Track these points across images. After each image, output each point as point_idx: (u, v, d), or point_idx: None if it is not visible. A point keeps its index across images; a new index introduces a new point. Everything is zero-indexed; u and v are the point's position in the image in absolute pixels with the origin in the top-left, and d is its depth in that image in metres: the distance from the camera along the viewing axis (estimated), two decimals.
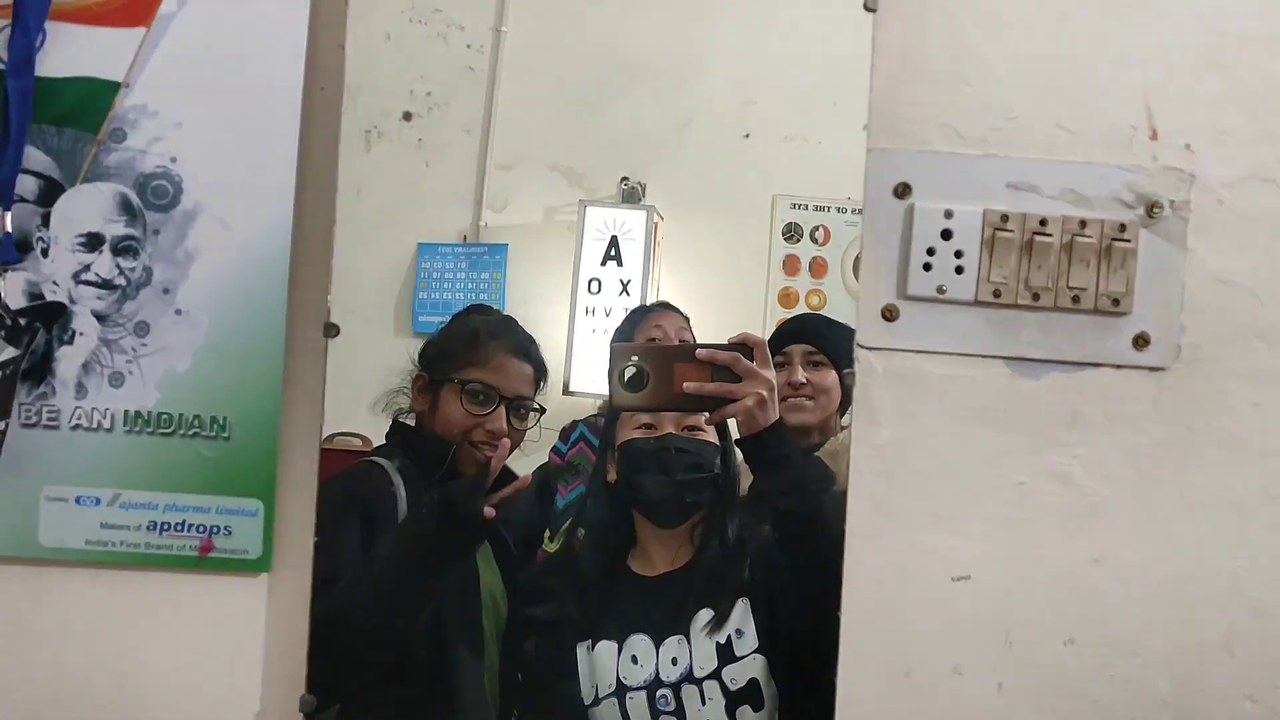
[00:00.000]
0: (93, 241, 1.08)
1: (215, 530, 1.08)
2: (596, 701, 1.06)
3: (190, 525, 1.08)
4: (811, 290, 1.17)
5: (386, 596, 1.07)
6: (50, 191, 1.07)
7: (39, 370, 1.07)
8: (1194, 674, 1.14)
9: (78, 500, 1.08)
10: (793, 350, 1.13)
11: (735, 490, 1.07)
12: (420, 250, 1.12)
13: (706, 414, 1.06)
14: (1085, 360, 1.14)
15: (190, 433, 1.08)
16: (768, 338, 1.16)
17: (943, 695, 1.13)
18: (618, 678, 1.05)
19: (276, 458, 1.09)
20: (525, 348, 1.09)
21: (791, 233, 1.16)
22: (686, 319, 1.14)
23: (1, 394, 1.05)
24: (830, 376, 1.13)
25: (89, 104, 1.07)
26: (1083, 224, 1.12)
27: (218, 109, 1.08)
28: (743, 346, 1.07)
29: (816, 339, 1.12)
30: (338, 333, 1.08)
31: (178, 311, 1.08)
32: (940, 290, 1.13)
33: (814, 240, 1.16)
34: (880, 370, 1.13)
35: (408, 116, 1.11)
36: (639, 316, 1.12)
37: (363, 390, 1.10)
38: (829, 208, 1.16)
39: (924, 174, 1.13)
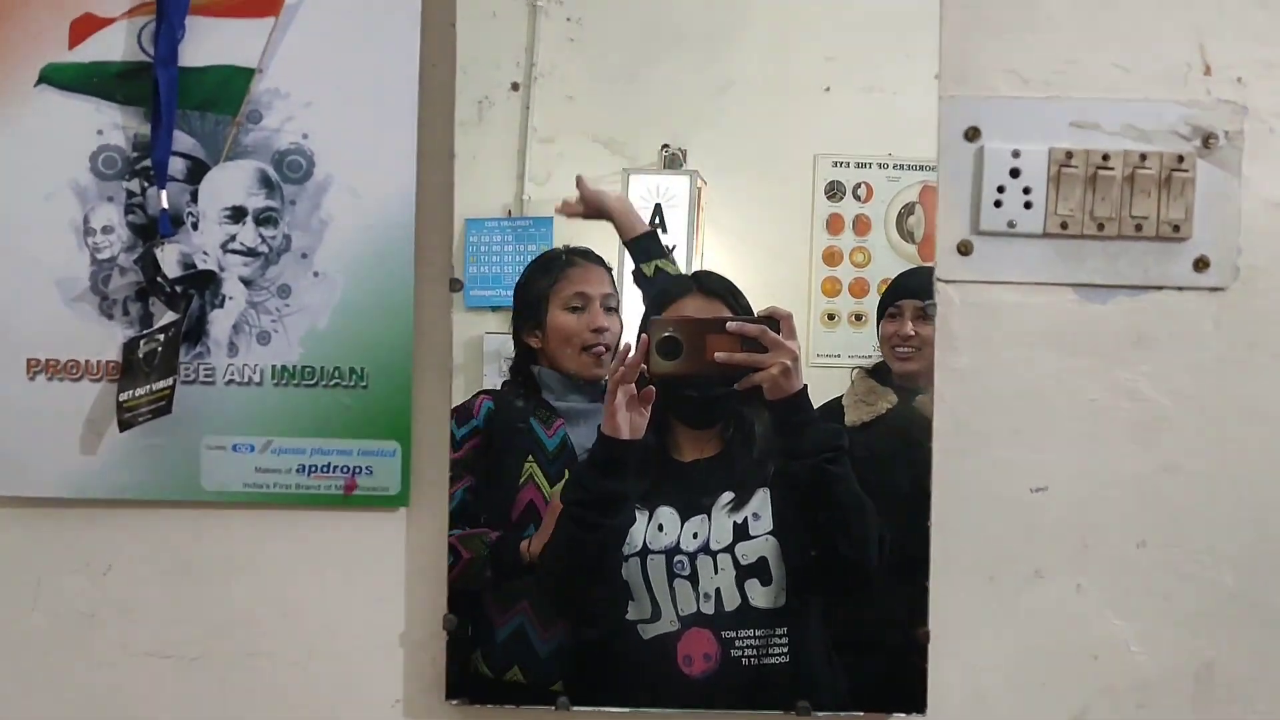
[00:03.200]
0: (237, 214, 1.23)
1: (358, 470, 1.25)
2: (625, 559, 1.22)
3: (335, 467, 1.25)
4: (855, 248, 1.25)
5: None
6: (196, 170, 1.23)
7: (195, 332, 1.23)
8: (1258, 569, 1.28)
9: (234, 448, 1.24)
10: (904, 305, 1.25)
11: (762, 398, 1.22)
12: (468, 226, 1.24)
13: (735, 383, 1.21)
14: (1149, 284, 1.27)
15: (332, 383, 1.24)
16: (881, 291, 1.28)
17: (1025, 597, 1.28)
18: (644, 541, 1.22)
19: (411, 402, 1.24)
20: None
21: (834, 191, 1.24)
22: (725, 295, 1.23)
23: (167, 354, 1.21)
24: None
25: (227, 89, 1.22)
26: (1143, 157, 1.25)
27: (343, 88, 1.22)
28: (770, 320, 1.21)
29: (927, 294, 1.26)
30: (462, 287, 1.24)
31: (316, 274, 1.24)
32: (1011, 225, 1.26)
33: (856, 197, 1.25)
34: (958, 301, 1.28)
35: (515, 87, 1.24)
36: (667, 299, 1.26)
37: None
38: (870, 164, 1.24)
39: (992, 117, 1.26)
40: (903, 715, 1.25)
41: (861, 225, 1.26)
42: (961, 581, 1.27)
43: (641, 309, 1.26)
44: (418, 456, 1.25)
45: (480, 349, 1.27)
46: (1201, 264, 1.27)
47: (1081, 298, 1.28)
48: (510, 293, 1.26)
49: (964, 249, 1.27)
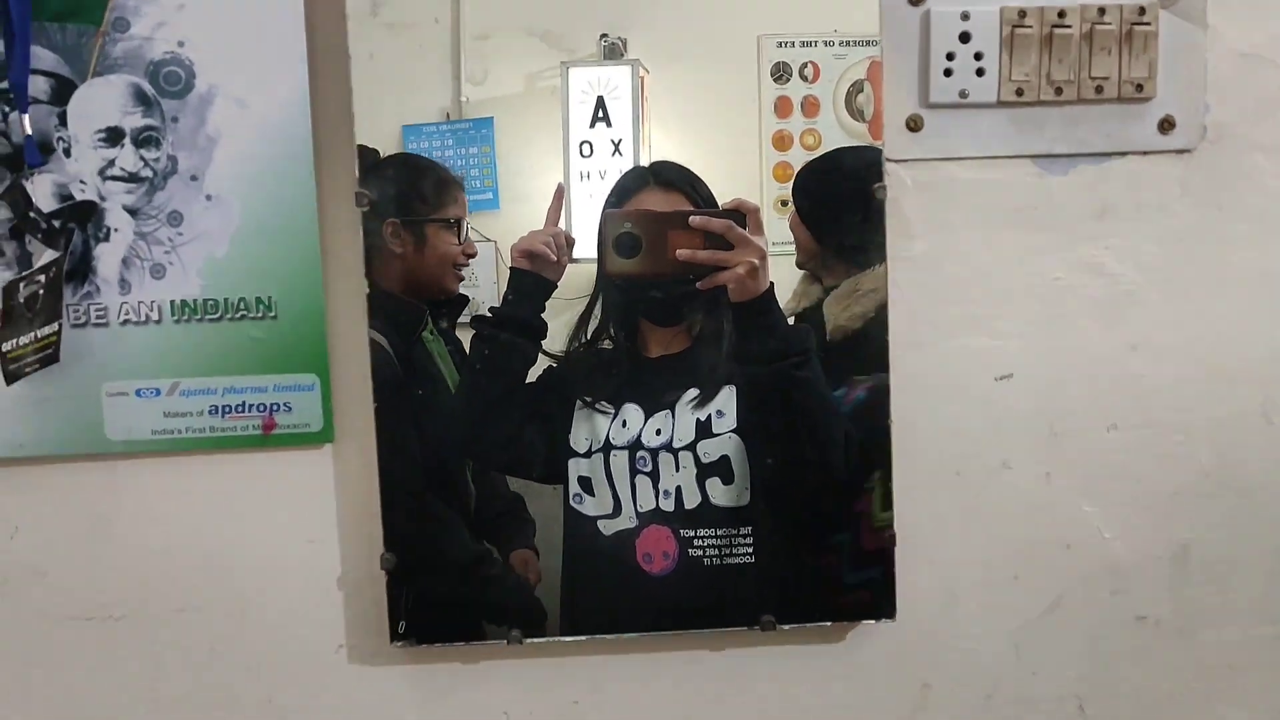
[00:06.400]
0: (113, 136, 1.14)
1: (275, 408, 1.18)
2: (588, 454, 1.21)
3: (250, 405, 1.18)
4: (806, 130, 1.21)
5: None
6: (62, 90, 1.13)
7: (80, 270, 1.15)
8: (1234, 444, 1.26)
9: (138, 393, 1.17)
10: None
11: (727, 299, 1.17)
12: (405, 133, 1.18)
13: (697, 282, 1.16)
14: (1111, 150, 1.22)
15: (238, 316, 1.17)
16: (760, 186, 1.22)
17: (993, 490, 1.25)
18: (607, 437, 1.20)
19: (325, 330, 1.17)
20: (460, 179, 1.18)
21: (780, 73, 1.20)
22: (684, 186, 1.18)
23: (50, 297, 1.13)
24: None
25: None
26: (1101, 11, 1.18)
27: None
28: (736, 213, 1.15)
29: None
30: (369, 202, 1.16)
31: (208, 197, 1.15)
32: (963, 95, 1.20)
33: (804, 78, 1.20)
34: (909, 182, 1.22)
35: None
36: (623, 194, 1.19)
37: None
38: (816, 42, 1.19)
39: None
40: (871, 622, 1.23)
41: (810, 107, 1.21)
42: (927, 479, 1.24)
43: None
44: (338, 389, 1.19)
45: None
46: (1167, 125, 1.22)
47: (1041, 170, 1.22)
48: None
49: (914, 124, 1.21)
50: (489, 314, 1.19)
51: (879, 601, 1.22)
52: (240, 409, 1.18)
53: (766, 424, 1.19)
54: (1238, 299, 1.25)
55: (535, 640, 1.21)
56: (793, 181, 1.21)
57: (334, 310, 1.18)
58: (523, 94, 1.19)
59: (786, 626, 1.21)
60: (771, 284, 1.16)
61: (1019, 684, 1.28)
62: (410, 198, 1.19)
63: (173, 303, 1.16)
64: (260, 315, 1.17)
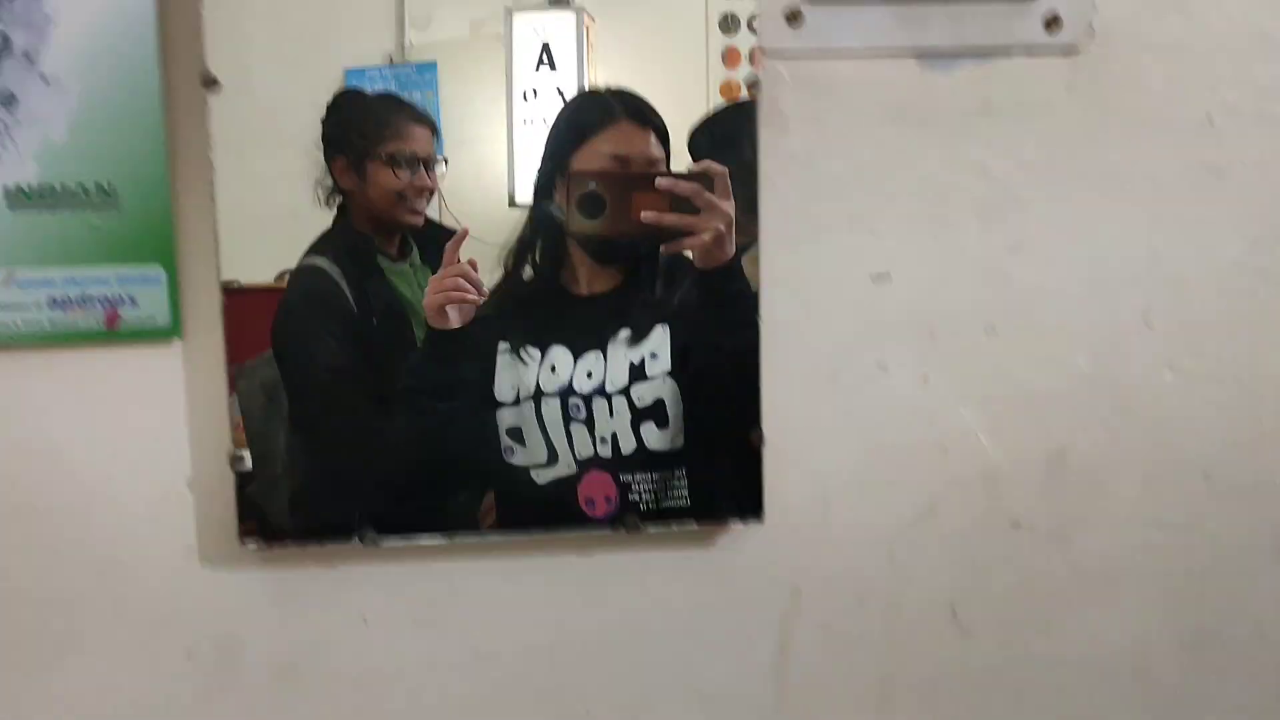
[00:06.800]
0: None
1: (120, 301, 1.14)
2: (516, 402, 1.17)
3: (92, 298, 1.13)
4: (754, 82, 1.20)
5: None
6: None
7: None
8: (1114, 349, 1.25)
9: None
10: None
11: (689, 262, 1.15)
12: (348, 77, 1.14)
13: (661, 245, 1.13)
14: (996, 47, 1.19)
15: (77, 203, 1.11)
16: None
17: (868, 393, 1.23)
18: (537, 383, 1.17)
19: (172, 221, 1.12)
20: (422, 114, 1.14)
21: (728, 24, 1.18)
22: (656, 124, 1.15)
23: None
24: None
25: None
26: None
27: None
28: (703, 176, 1.12)
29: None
30: (217, 84, 1.11)
31: (44, 78, 1.09)
32: None
33: (752, 29, 1.18)
34: (787, 76, 1.18)
35: None
36: (589, 128, 1.15)
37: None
38: None
39: None
40: (740, 525, 1.22)
41: (758, 57, 1.17)
42: (799, 380, 1.22)
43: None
44: (186, 282, 1.14)
45: None
46: (1053, 22, 1.19)
47: (924, 66, 1.19)
48: None
49: (793, 17, 1.17)
50: (412, 383, 1.15)
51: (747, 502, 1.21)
52: (81, 301, 1.13)
53: (719, 386, 1.18)
54: (1121, 202, 1.23)
55: (393, 543, 1.18)
56: (686, 143, 1.16)
57: (181, 200, 1.13)
58: (467, 39, 1.15)
59: (652, 529, 1.19)
60: (739, 249, 1.13)
61: (891, 589, 1.27)
62: (350, 134, 1.15)
63: (6, 188, 1.10)
64: (101, 203, 1.11)
